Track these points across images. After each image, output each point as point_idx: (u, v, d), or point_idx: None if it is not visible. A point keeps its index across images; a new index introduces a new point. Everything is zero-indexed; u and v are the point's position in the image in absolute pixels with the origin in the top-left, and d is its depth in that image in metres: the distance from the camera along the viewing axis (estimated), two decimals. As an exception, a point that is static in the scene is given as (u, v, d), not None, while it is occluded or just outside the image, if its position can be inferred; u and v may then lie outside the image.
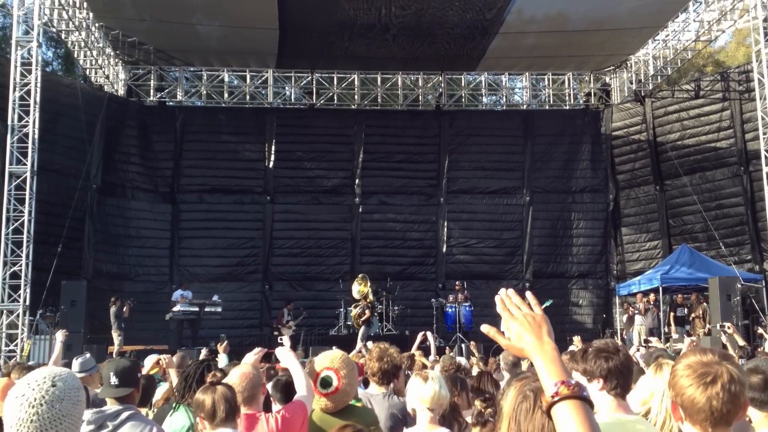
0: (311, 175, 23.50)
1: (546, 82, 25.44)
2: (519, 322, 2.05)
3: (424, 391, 4.04)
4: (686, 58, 23.02)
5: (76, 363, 6.30)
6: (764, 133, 17.17)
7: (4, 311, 15.85)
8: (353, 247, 23.25)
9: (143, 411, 4.88)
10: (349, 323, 19.17)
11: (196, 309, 18.29)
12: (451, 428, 4.29)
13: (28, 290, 15.91)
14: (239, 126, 23.58)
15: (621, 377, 2.99)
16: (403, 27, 19.96)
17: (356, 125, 23.94)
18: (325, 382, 4.22)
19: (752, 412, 3.27)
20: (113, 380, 4.20)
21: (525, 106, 25.62)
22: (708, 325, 17.25)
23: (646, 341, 12.14)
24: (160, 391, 6.23)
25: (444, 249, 23.42)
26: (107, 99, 21.69)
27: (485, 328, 2.15)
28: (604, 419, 2.79)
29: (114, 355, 15.00)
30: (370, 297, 18.28)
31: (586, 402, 1.88)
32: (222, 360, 8.64)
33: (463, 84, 25.00)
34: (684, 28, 21.22)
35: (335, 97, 24.40)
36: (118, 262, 21.65)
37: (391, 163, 23.59)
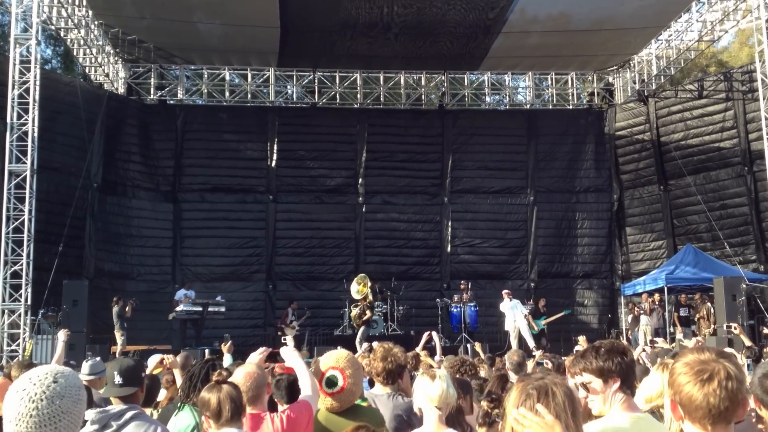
0: (314, 175, 23.46)
1: (549, 82, 25.39)
2: (532, 429, 2.24)
3: (431, 389, 3.98)
4: (689, 58, 23.00)
5: (85, 365, 6.25)
6: (768, 133, 17.13)
7: (6, 311, 15.81)
8: (357, 246, 23.21)
9: (147, 411, 4.83)
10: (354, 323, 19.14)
11: (200, 309, 18.25)
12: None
13: (29, 290, 15.87)
14: (241, 125, 23.54)
15: (632, 376, 3.04)
16: (406, 26, 19.91)
17: (359, 124, 23.89)
18: (331, 382, 4.18)
19: (766, 414, 3.34)
20: (117, 380, 4.17)
21: (528, 106, 25.58)
22: (713, 326, 17.19)
23: (653, 341, 12.09)
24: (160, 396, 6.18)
25: (448, 249, 23.37)
26: (107, 97, 21.63)
27: (515, 413, 2.32)
28: (623, 417, 2.86)
29: (117, 355, 14.97)
30: (370, 297, 18.24)
31: None
32: (226, 360, 8.57)
33: (466, 83, 24.95)
34: (687, 28, 21.17)
35: (337, 96, 24.35)
36: (120, 262, 21.60)
37: (395, 163, 23.54)
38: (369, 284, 18.33)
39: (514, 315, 18.16)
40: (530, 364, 8.50)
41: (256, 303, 22.55)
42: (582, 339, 10.94)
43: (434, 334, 9.86)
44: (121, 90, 23.21)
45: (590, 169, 24.02)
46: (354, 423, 3.86)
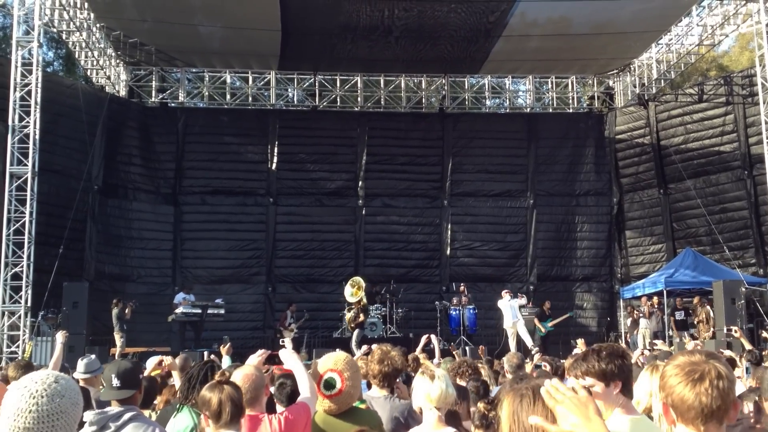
0: (314, 177, 23.48)
1: (549, 86, 25.40)
2: (565, 405, 2.09)
3: (431, 389, 4.01)
4: (690, 62, 23.04)
5: (81, 363, 6.26)
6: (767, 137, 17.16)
7: (6, 312, 15.82)
8: (357, 249, 23.22)
9: (146, 413, 4.84)
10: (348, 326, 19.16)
11: (199, 311, 18.27)
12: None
13: (29, 291, 15.87)
14: (242, 127, 23.55)
15: (632, 379, 3.09)
16: (406, 29, 19.93)
17: (359, 127, 23.91)
18: (329, 384, 4.20)
19: None
20: (115, 382, 4.18)
21: (528, 109, 25.61)
22: (713, 329, 17.20)
23: (652, 344, 12.11)
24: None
25: (448, 252, 23.39)
26: (108, 100, 21.67)
27: (533, 420, 2.18)
28: (623, 420, 2.89)
29: (116, 357, 14.98)
30: (364, 300, 18.28)
31: None
32: (225, 362, 8.58)
33: (466, 86, 24.98)
34: (687, 32, 21.18)
35: (338, 99, 24.37)
36: (120, 264, 21.62)
37: (395, 166, 23.56)
38: (364, 287, 18.36)
39: (513, 314, 18.19)
40: (528, 367, 8.51)
41: (255, 305, 22.56)
42: (580, 342, 10.96)
43: (433, 336, 9.90)
44: (123, 92, 23.26)
45: (590, 173, 24.04)
46: (352, 425, 3.89)
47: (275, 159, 23.33)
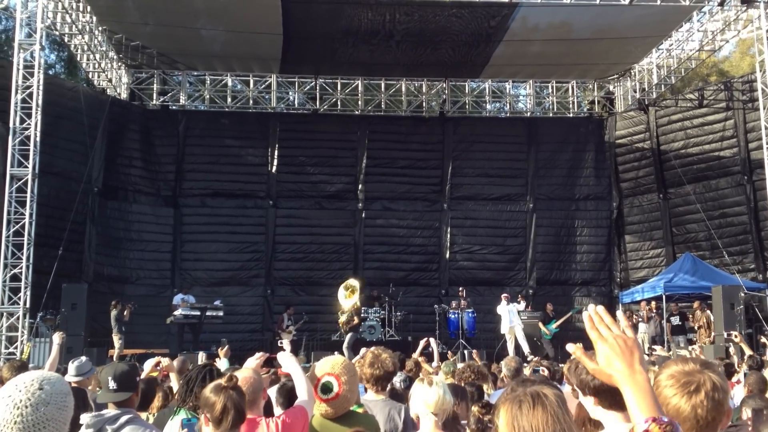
0: (314, 180, 23.49)
1: (550, 90, 25.44)
2: (609, 345, 1.94)
3: (428, 395, 4.01)
4: (690, 67, 23.06)
5: (72, 366, 6.25)
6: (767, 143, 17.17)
7: (4, 314, 15.81)
8: (356, 252, 23.22)
9: (143, 415, 4.84)
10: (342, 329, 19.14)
11: (198, 313, 18.28)
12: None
13: (28, 293, 15.87)
14: (242, 130, 23.58)
15: None
16: (407, 33, 19.95)
17: (360, 131, 23.93)
18: (326, 388, 4.18)
19: None
20: (111, 385, 4.17)
21: (529, 114, 25.62)
22: (713, 334, 17.19)
23: (651, 349, 12.10)
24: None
25: (447, 255, 23.38)
26: (110, 102, 21.69)
27: (571, 348, 2.01)
28: (624, 427, 2.81)
29: (115, 359, 14.97)
30: (358, 304, 18.27)
31: None
32: (222, 364, 8.58)
33: (466, 91, 25.00)
34: (688, 37, 21.21)
35: (339, 103, 24.38)
36: (119, 266, 21.62)
37: (395, 169, 23.57)
38: (358, 290, 18.34)
39: (510, 318, 18.17)
40: (527, 371, 8.52)
41: (254, 308, 22.55)
42: (578, 347, 10.94)
43: (432, 340, 9.89)
44: (124, 95, 23.28)
45: (590, 177, 24.05)
46: (349, 429, 3.89)
47: (275, 162, 23.35)
